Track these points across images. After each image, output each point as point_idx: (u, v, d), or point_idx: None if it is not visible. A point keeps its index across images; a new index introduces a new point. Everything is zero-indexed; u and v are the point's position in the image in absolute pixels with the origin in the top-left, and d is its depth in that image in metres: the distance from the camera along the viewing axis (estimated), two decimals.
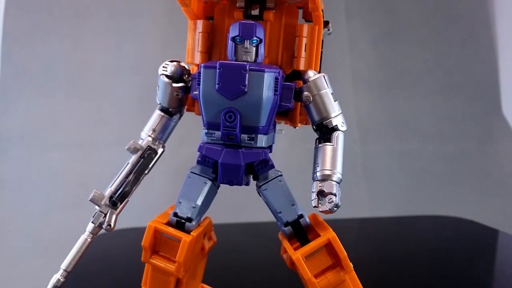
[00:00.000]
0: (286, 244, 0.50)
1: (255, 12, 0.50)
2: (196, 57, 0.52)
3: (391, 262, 0.90)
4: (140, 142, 0.52)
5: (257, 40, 0.47)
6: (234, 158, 0.49)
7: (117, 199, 0.50)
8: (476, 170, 1.55)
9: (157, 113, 0.53)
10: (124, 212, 0.51)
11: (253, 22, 0.47)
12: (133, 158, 0.51)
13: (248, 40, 0.47)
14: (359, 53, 1.55)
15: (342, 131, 0.49)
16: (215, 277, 0.67)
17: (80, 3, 1.36)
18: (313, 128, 0.51)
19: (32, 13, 1.33)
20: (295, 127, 0.54)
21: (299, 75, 0.50)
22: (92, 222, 0.51)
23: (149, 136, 0.52)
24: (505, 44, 1.61)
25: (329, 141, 0.48)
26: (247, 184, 0.52)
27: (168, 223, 0.51)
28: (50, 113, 1.34)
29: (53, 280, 0.51)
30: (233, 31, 0.47)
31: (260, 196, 0.51)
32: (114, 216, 0.51)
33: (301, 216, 0.49)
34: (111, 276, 0.82)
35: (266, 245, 0.89)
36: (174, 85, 0.51)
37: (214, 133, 0.49)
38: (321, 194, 0.46)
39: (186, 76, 0.51)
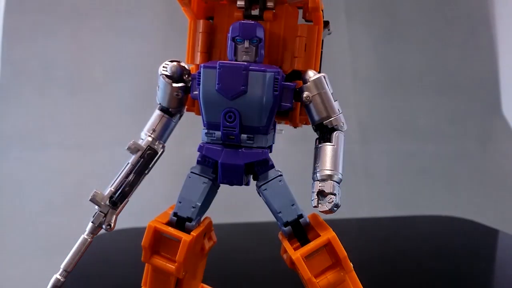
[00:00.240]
0: (286, 244, 0.50)
1: (255, 12, 0.50)
2: (196, 57, 0.52)
3: (391, 262, 0.90)
4: (140, 142, 0.52)
5: (257, 40, 0.47)
6: (234, 158, 0.49)
7: (117, 199, 0.50)
8: (476, 170, 1.55)
9: (157, 113, 0.53)
10: (124, 212, 0.51)
11: (253, 22, 0.48)
12: (133, 158, 0.51)
13: (248, 40, 0.47)
14: (359, 53, 1.55)
15: (342, 131, 0.49)
16: (215, 277, 0.67)
17: (80, 3, 1.36)
18: (313, 128, 0.51)
19: (32, 13, 1.33)
20: (295, 127, 0.54)
21: (299, 75, 0.50)
22: (92, 222, 0.51)
23: (149, 136, 0.52)
24: (505, 44, 1.61)
25: (329, 141, 0.48)
26: (247, 184, 0.52)
27: (168, 223, 0.51)
28: (50, 113, 1.34)
29: (53, 280, 0.51)
30: (233, 31, 0.47)
31: (260, 196, 0.51)
32: (114, 216, 0.51)
33: (301, 216, 0.49)
34: (111, 276, 0.82)
35: (266, 245, 0.89)
36: (174, 85, 0.51)
37: (214, 133, 0.49)
38: (321, 194, 0.46)
39: (186, 76, 0.51)
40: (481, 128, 1.59)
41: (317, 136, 0.50)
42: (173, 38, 1.31)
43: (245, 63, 0.47)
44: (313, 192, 0.47)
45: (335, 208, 0.46)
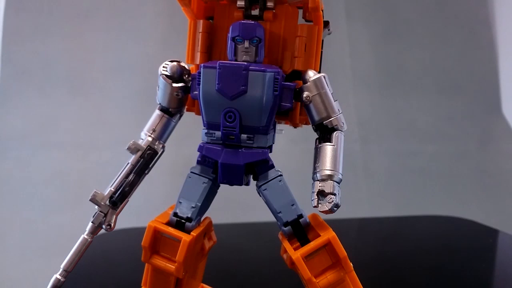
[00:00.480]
0: (286, 244, 0.50)
1: (255, 12, 0.50)
2: (196, 57, 0.52)
3: (391, 262, 0.90)
4: (140, 142, 0.52)
5: (257, 40, 0.47)
6: (234, 158, 0.49)
7: (117, 199, 0.50)
8: (476, 170, 1.55)
9: (157, 113, 0.53)
10: (124, 212, 0.51)
11: (253, 22, 0.48)
12: (133, 158, 0.51)
13: (248, 40, 0.47)
14: (359, 53, 1.55)
15: (342, 131, 0.49)
16: (215, 277, 0.67)
17: (80, 3, 1.36)
18: (313, 128, 0.51)
19: (32, 13, 1.33)
20: (295, 127, 0.54)
21: (299, 75, 0.50)
22: (92, 222, 0.51)
23: (149, 136, 0.52)
24: (505, 44, 1.61)
25: (329, 141, 0.48)
26: (247, 184, 0.52)
27: (168, 223, 0.51)
28: (50, 113, 1.34)
29: (53, 280, 0.51)
30: (233, 31, 0.47)
31: (260, 196, 0.51)
32: (114, 216, 0.51)
33: (301, 216, 0.49)
34: (111, 276, 0.82)
35: (266, 245, 0.89)
36: (174, 85, 0.51)
37: (214, 133, 0.49)
38: (321, 194, 0.46)
39: (186, 76, 0.51)
40: (481, 128, 1.59)
41: (317, 136, 0.50)
42: (173, 38, 1.32)
43: (245, 63, 0.47)
44: (313, 192, 0.47)
45: (335, 208, 0.46)
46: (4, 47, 1.32)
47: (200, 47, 0.51)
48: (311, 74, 0.49)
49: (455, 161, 1.54)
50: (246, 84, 0.46)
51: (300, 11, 0.52)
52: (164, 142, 0.53)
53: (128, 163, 0.51)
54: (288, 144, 1.33)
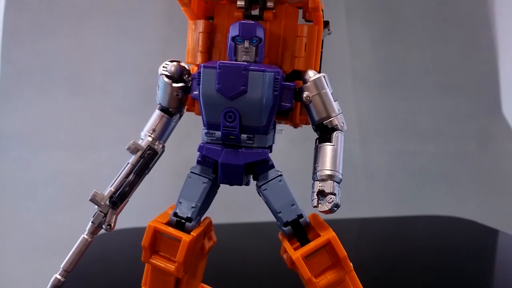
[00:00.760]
0: (286, 244, 0.50)
1: (255, 12, 0.50)
2: (196, 57, 0.52)
3: (391, 262, 0.90)
4: (140, 142, 0.52)
5: (257, 40, 0.47)
6: (234, 158, 0.49)
7: (117, 199, 0.50)
8: (476, 170, 1.55)
9: (157, 113, 0.53)
10: (124, 212, 0.52)
11: (253, 22, 0.48)
12: (133, 158, 0.51)
13: (248, 40, 0.47)
14: (359, 53, 1.55)
15: (342, 131, 0.49)
16: (215, 277, 0.67)
17: (80, 3, 1.36)
18: (313, 128, 0.51)
19: (32, 13, 1.33)
20: (295, 127, 0.54)
21: (299, 75, 0.50)
22: (92, 222, 0.51)
23: (149, 136, 0.52)
24: (505, 44, 1.61)
25: (329, 141, 0.48)
26: (247, 184, 0.52)
27: (168, 223, 0.51)
28: (50, 113, 1.34)
29: (53, 280, 0.51)
30: (233, 31, 0.47)
31: (260, 196, 0.51)
32: (114, 216, 0.51)
33: (300, 216, 0.49)
34: (111, 276, 0.82)
35: (266, 245, 0.89)
36: (174, 85, 0.51)
37: (214, 133, 0.49)
38: (321, 194, 0.46)
39: (186, 76, 0.51)
40: (481, 128, 1.59)
41: (317, 136, 0.50)
42: (173, 38, 1.32)
43: (245, 63, 0.47)
44: (313, 192, 0.47)
45: (335, 208, 0.46)
46: (4, 47, 1.32)
47: (200, 47, 0.51)
48: (311, 74, 0.49)
49: (455, 161, 1.54)
50: (246, 84, 0.46)
51: (300, 11, 0.52)
52: (164, 142, 0.53)
53: (128, 163, 0.51)
54: (288, 144, 1.33)
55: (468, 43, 1.60)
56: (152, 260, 0.51)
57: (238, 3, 0.50)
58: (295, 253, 0.48)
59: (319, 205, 0.46)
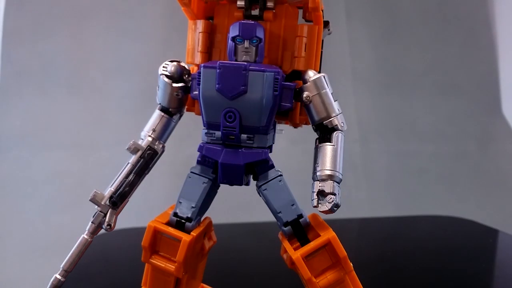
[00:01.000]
0: (286, 244, 0.50)
1: (255, 12, 0.50)
2: (196, 57, 0.52)
3: (391, 262, 0.90)
4: (140, 142, 0.52)
5: (257, 40, 0.47)
6: (234, 158, 0.49)
7: (117, 199, 0.50)
8: (476, 170, 1.55)
9: (157, 113, 0.53)
10: (124, 212, 0.52)
11: (253, 22, 0.48)
12: (133, 158, 0.51)
13: (248, 40, 0.47)
14: (359, 53, 1.55)
15: (342, 131, 0.49)
16: (215, 277, 0.67)
17: (80, 3, 1.36)
18: (313, 128, 0.51)
19: (32, 13, 1.33)
20: (295, 127, 0.54)
21: (299, 75, 0.50)
22: (92, 222, 0.51)
23: (149, 136, 0.52)
24: (505, 44, 1.61)
25: (329, 141, 0.48)
26: (247, 184, 0.52)
27: (168, 223, 0.51)
28: (50, 113, 1.34)
29: (53, 280, 0.51)
30: (233, 31, 0.47)
31: (260, 196, 0.51)
32: (114, 216, 0.51)
33: (301, 216, 0.49)
34: (111, 276, 0.82)
35: (266, 245, 0.89)
36: (174, 85, 0.51)
37: (214, 133, 0.49)
38: (321, 194, 0.46)
39: (186, 76, 0.51)
40: (481, 128, 1.59)
41: (317, 136, 0.50)
42: (173, 38, 1.32)
43: (245, 63, 0.47)
44: (313, 192, 0.47)
45: (335, 208, 0.46)
46: (4, 47, 1.32)
47: (200, 47, 0.51)
48: (311, 74, 0.49)
49: (455, 161, 1.54)
50: (246, 84, 0.46)
51: (300, 11, 0.52)
52: (164, 142, 0.53)
53: (128, 163, 0.51)
54: (288, 144, 1.33)
55: (468, 43, 1.60)
56: (152, 260, 0.51)
57: (238, 3, 0.50)
58: (295, 253, 0.48)
59: (319, 205, 0.46)
